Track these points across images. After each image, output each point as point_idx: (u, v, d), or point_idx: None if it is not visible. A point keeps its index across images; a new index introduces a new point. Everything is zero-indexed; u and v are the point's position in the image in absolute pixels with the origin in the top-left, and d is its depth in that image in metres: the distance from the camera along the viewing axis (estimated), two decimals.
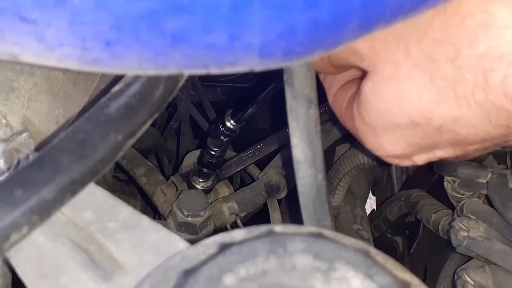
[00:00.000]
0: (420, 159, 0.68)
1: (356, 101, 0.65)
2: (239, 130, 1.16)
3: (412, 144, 0.64)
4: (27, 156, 0.58)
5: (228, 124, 1.14)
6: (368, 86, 0.62)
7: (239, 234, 0.43)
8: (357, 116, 0.66)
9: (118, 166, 1.35)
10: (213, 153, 1.19)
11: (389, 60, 0.58)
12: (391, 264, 0.42)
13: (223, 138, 1.17)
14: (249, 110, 1.12)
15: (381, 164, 1.54)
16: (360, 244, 0.43)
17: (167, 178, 1.30)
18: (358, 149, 1.37)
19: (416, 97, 0.58)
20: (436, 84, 0.56)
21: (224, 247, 0.41)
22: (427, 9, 0.46)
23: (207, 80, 1.57)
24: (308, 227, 0.43)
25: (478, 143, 0.62)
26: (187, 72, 0.45)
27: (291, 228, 0.43)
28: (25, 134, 0.61)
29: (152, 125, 1.59)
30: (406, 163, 0.70)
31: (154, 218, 1.34)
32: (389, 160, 0.70)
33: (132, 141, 0.49)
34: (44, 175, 0.44)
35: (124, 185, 1.54)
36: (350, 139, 1.44)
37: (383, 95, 0.60)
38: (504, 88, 0.53)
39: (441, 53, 0.55)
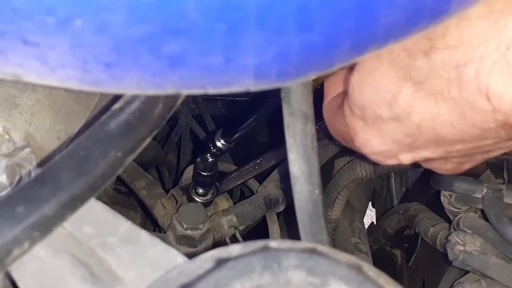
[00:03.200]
0: (406, 158, 0.68)
1: (346, 96, 0.66)
2: (228, 150, 1.17)
3: (397, 141, 0.64)
4: (29, 172, 0.59)
5: (218, 144, 1.15)
6: (354, 77, 0.62)
7: (235, 249, 0.43)
8: (347, 110, 0.67)
9: (119, 179, 1.36)
10: (203, 174, 1.21)
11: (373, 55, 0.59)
12: (383, 279, 0.43)
13: (210, 158, 1.18)
14: (241, 131, 1.13)
15: (380, 176, 1.54)
16: (353, 259, 0.43)
17: (168, 191, 1.31)
18: (356, 162, 1.38)
19: (397, 91, 0.58)
20: (414, 79, 0.56)
21: (220, 262, 0.42)
22: (418, 32, 0.47)
23: (207, 94, 1.58)
24: (302, 243, 0.44)
25: (459, 144, 0.61)
26: (185, 92, 0.46)
27: (286, 243, 0.43)
28: (27, 149, 0.62)
29: (153, 138, 1.59)
30: (392, 161, 0.69)
31: (153, 231, 1.35)
32: (376, 158, 0.70)
33: (131, 157, 0.50)
34: (45, 191, 0.44)
35: (125, 197, 1.54)
36: (349, 152, 1.45)
37: (368, 85, 0.61)
38: (477, 83, 0.52)
39: (417, 47, 0.54)
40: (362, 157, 0.76)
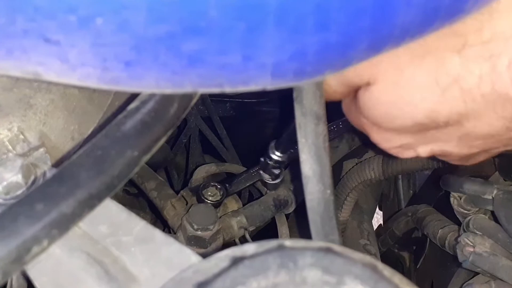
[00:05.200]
0: (424, 151, 0.67)
1: (357, 105, 0.65)
2: (288, 160, 1.16)
3: (417, 136, 0.64)
4: (44, 172, 0.59)
5: (274, 156, 1.15)
6: (366, 96, 0.62)
7: (250, 248, 0.43)
8: (360, 116, 0.67)
9: (129, 180, 1.36)
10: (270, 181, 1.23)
11: (391, 68, 0.58)
12: (397, 278, 0.43)
13: (275, 170, 1.19)
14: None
15: (388, 179, 1.55)
16: (367, 258, 0.43)
17: (177, 192, 1.31)
18: (365, 164, 1.38)
19: (419, 100, 0.58)
20: (440, 82, 0.56)
21: (236, 261, 0.42)
22: (435, 30, 0.47)
23: (217, 96, 1.59)
24: (317, 242, 0.44)
25: (482, 138, 0.61)
26: (202, 90, 0.46)
27: (301, 242, 0.44)
28: (41, 149, 0.62)
29: None
30: (410, 153, 0.69)
31: (163, 231, 1.35)
32: (394, 152, 0.69)
33: (147, 157, 0.50)
34: (64, 190, 0.45)
35: (134, 198, 1.54)
36: (358, 154, 1.45)
37: (384, 102, 0.60)
38: (510, 73, 0.52)
39: (448, 46, 0.54)
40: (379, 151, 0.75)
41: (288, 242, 0.44)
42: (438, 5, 0.43)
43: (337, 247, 0.44)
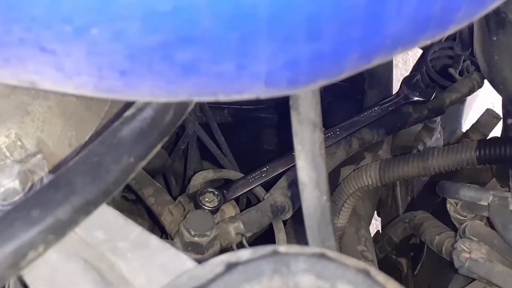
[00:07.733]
0: None
1: None
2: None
3: None
4: (42, 178, 0.60)
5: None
6: None
7: (244, 254, 0.44)
8: None
9: (127, 186, 1.36)
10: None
11: None
12: (391, 284, 0.43)
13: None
14: None
15: (386, 185, 1.55)
16: (361, 264, 0.44)
17: (175, 199, 1.31)
18: (362, 170, 1.38)
19: None
20: None
21: (230, 267, 0.42)
22: (426, 40, 0.47)
23: (214, 102, 1.59)
24: (311, 248, 0.45)
25: None
26: (197, 99, 0.47)
27: (295, 248, 0.44)
28: (39, 156, 0.63)
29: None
30: None
31: (161, 237, 1.35)
32: None
33: (143, 163, 0.50)
34: (60, 196, 0.45)
35: (132, 205, 1.54)
36: (355, 161, 1.46)
37: None
38: None
39: None
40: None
41: (282, 248, 0.44)
42: (428, 15, 0.44)
43: (331, 253, 0.44)
